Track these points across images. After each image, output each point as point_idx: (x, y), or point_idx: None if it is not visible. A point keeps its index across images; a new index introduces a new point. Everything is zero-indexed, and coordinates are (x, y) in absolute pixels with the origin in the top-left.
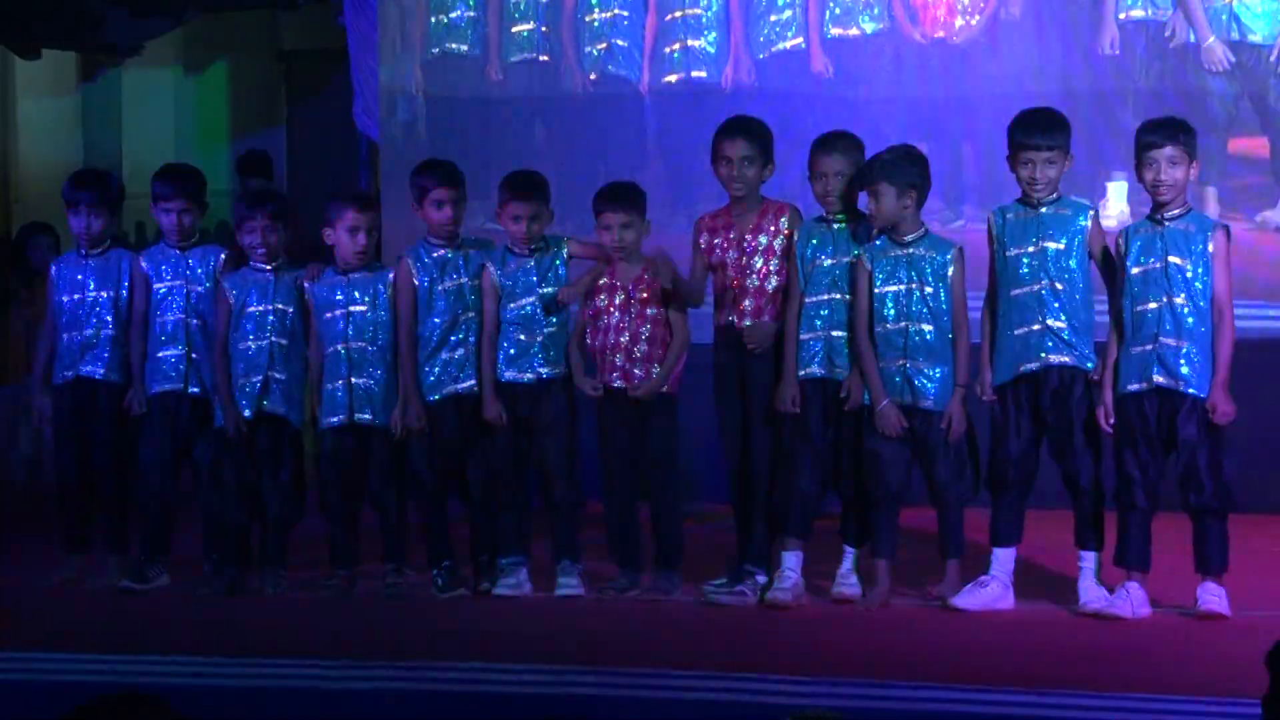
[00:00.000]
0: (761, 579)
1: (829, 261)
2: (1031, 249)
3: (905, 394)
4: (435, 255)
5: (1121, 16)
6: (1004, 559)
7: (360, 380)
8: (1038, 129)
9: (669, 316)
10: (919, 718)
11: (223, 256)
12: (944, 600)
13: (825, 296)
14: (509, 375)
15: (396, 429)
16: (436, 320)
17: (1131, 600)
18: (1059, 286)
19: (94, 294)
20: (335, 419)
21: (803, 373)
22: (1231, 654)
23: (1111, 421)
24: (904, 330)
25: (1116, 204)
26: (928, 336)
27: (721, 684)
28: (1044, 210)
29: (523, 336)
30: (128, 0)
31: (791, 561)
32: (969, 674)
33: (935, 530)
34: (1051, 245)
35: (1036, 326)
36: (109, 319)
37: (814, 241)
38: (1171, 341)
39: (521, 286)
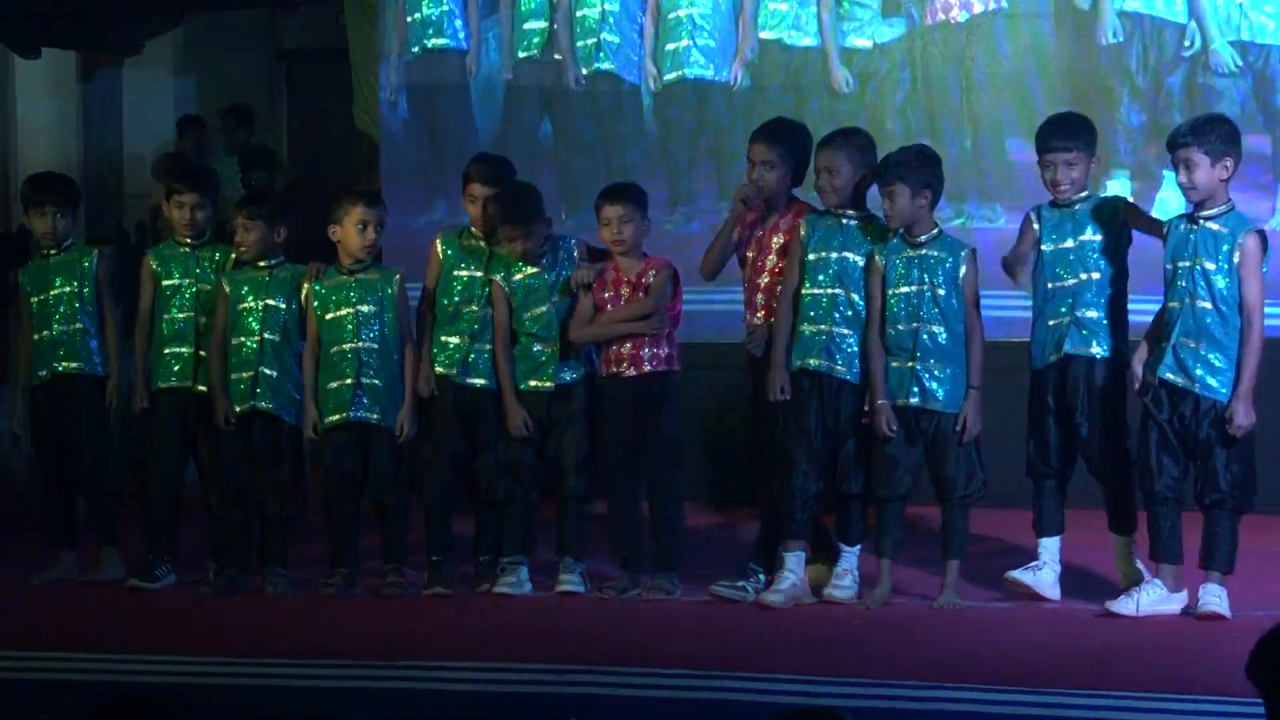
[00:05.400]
0: (765, 577)
1: (834, 255)
2: (1070, 244)
3: (915, 395)
4: (467, 242)
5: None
6: (1051, 548)
7: (368, 380)
8: (1054, 131)
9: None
10: (919, 717)
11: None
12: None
13: (828, 290)
14: (531, 383)
15: (402, 430)
16: (444, 302)
17: (1137, 599)
18: (1094, 277)
19: (59, 290)
20: (339, 416)
21: (799, 363)
22: (1231, 653)
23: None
24: (915, 332)
25: None
26: (939, 338)
27: (721, 684)
28: (1078, 208)
29: (538, 347)
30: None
31: (793, 563)
32: (969, 674)
33: (937, 530)
34: (1087, 239)
35: (1068, 319)
36: (78, 312)
37: (818, 234)
38: (1190, 343)
39: (535, 296)
